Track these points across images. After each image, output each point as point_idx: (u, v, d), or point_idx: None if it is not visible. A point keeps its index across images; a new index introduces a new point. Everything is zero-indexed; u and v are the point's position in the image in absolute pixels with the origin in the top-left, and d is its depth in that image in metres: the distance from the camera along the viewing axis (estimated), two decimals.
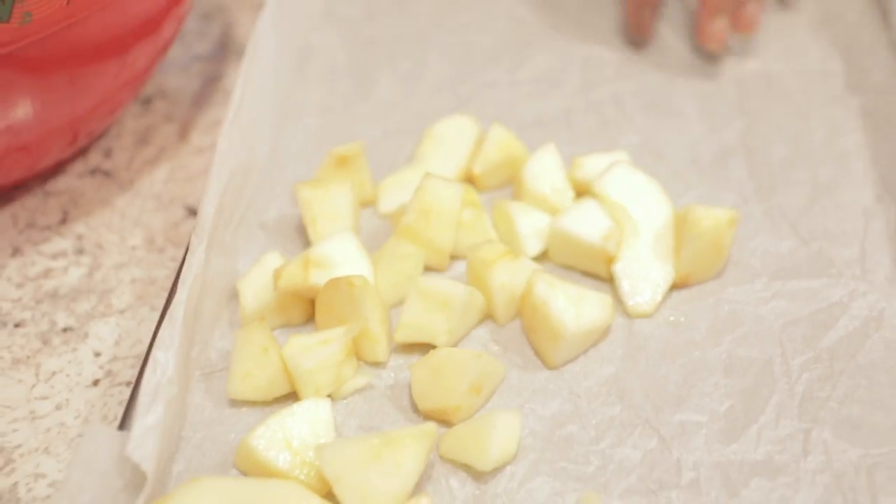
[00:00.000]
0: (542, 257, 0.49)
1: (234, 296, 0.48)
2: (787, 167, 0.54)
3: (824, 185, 0.53)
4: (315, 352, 0.42)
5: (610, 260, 0.47)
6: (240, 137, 0.51)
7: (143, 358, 0.44)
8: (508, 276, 0.46)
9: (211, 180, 0.48)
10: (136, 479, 0.38)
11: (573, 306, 0.44)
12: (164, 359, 0.40)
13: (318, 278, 0.45)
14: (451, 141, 0.54)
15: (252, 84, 0.54)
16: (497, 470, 0.40)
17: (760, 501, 0.39)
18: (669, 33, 0.64)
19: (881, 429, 0.41)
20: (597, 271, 0.48)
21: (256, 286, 0.47)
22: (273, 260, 0.47)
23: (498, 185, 0.53)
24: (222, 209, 0.48)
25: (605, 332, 0.46)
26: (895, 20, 0.59)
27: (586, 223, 0.48)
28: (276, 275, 0.45)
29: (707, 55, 0.61)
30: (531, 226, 0.49)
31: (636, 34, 0.63)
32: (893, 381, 0.43)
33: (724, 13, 0.60)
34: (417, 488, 0.40)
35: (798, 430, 0.41)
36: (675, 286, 0.48)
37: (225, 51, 0.65)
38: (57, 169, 0.56)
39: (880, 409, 0.42)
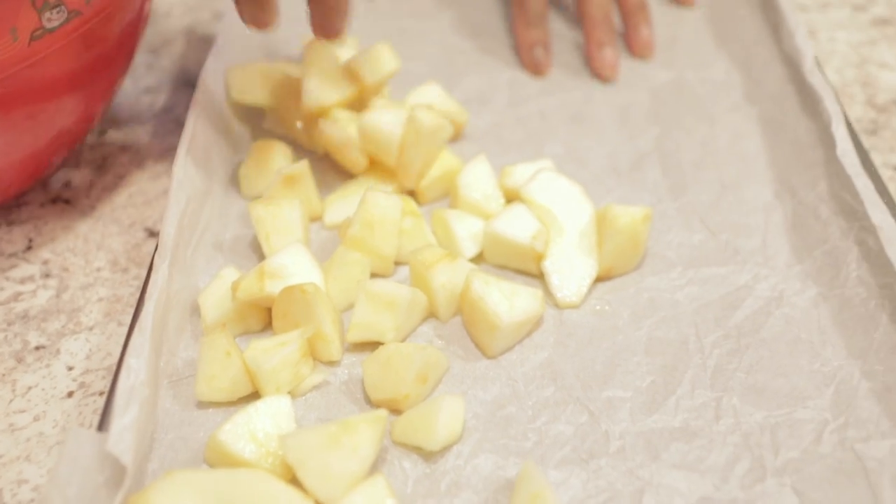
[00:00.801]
0: (478, 258, 0.53)
1: (195, 311, 0.51)
2: (697, 168, 0.59)
3: (729, 183, 0.58)
4: (274, 353, 0.46)
5: (539, 258, 0.52)
6: (194, 165, 0.55)
7: (114, 369, 0.48)
8: (448, 277, 0.50)
9: (170, 204, 0.51)
10: (115, 475, 0.40)
11: (507, 300, 0.48)
12: (137, 364, 0.43)
13: (273, 287, 0.48)
14: None
15: (203, 114, 0.58)
16: (445, 450, 0.44)
17: (679, 462, 0.43)
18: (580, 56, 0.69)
19: (782, 392, 0.46)
20: (528, 268, 0.53)
21: (215, 298, 0.50)
22: (230, 274, 0.50)
23: (436, 197, 0.58)
24: (181, 231, 0.51)
25: (537, 323, 0.50)
26: (785, 39, 0.65)
27: (516, 225, 0.52)
28: (234, 286, 0.49)
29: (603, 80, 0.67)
30: (467, 230, 0.53)
31: (534, 74, 0.67)
32: (792, 351, 0.48)
33: (609, 44, 0.66)
34: (373, 470, 0.43)
35: (711, 399, 0.46)
36: (599, 278, 0.52)
37: (174, 82, 0.68)
38: (18, 200, 0.59)
39: (781, 375, 0.47)
